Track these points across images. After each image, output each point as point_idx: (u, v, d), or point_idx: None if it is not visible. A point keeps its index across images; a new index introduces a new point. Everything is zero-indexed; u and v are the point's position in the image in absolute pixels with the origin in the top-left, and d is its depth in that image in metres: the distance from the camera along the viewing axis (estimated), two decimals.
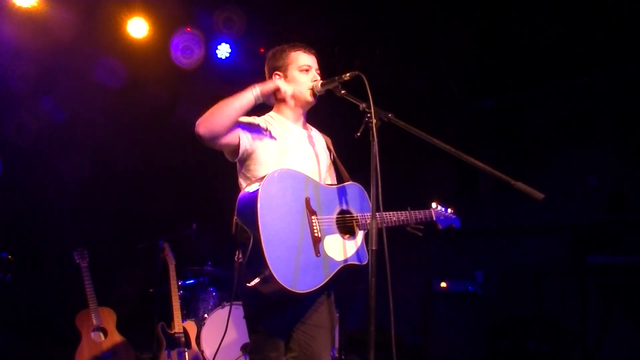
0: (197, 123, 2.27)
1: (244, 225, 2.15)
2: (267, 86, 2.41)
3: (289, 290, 2.08)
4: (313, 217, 2.26)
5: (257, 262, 2.07)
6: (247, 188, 2.26)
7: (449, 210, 2.90)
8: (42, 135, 5.31)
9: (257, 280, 2.08)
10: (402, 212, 2.57)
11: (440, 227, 2.82)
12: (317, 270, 2.20)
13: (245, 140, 2.35)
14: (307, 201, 2.26)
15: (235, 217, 2.23)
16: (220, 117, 2.26)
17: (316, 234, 2.24)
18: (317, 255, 2.21)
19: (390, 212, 2.51)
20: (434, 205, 2.82)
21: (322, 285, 2.21)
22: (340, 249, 2.32)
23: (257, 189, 2.14)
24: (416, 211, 2.65)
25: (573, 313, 4.84)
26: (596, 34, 4.78)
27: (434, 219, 2.77)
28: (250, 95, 2.32)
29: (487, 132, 6.23)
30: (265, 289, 2.10)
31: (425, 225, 2.69)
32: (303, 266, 2.15)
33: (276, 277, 2.04)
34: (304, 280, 2.14)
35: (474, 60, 5.59)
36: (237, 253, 2.34)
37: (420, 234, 2.61)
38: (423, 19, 5.20)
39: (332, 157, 2.66)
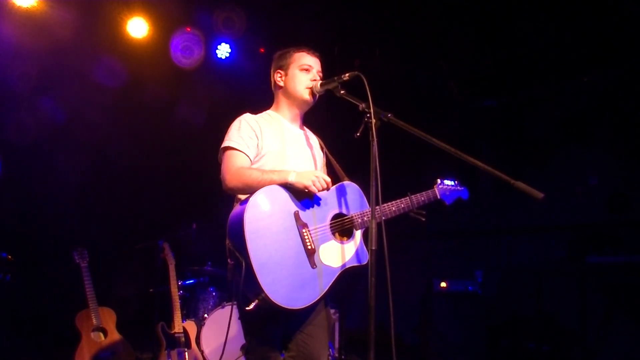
0: (227, 182, 2.29)
1: (235, 251, 2.14)
2: (301, 182, 2.25)
3: (288, 309, 2.08)
4: (304, 230, 2.23)
5: (252, 285, 2.06)
6: (233, 212, 2.24)
7: (455, 182, 2.77)
8: (42, 135, 5.31)
9: (255, 302, 2.07)
10: (402, 199, 2.52)
11: (447, 203, 2.70)
12: (315, 283, 2.18)
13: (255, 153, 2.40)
14: (297, 215, 2.23)
15: (227, 242, 2.22)
16: (252, 188, 2.23)
17: (309, 247, 2.21)
18: (313, 268, 2.19)
19: (390, 203, 2.47)
20: (437, 181, 2.71)
21: (323, 295, 2.20)
22: (338, 254, 2.29)
23: (242, 214, 2.10)
24: (417, 194, 2.58)
25: (573, 313, 4.83)
26: (596, 34, 4.78)
27: (439, 197, 2.67)
28: (286, 179, 2.25)
29: (487, 132, 6.23)
30: (265, 307, 2.10)
31: (432, 208, 2.59)
32: (300, 282, 2.14)
33: (273, 300, 2.04)
34: (302, 297, 2.13)
35: (474, 60, 5.59)
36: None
37: (424, 219, 2.52)
38: (423, 19, 5.20)
39: (325, 157, 2.66)
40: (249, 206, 2.12)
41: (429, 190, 2.66)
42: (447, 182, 2.73)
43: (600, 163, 5.20)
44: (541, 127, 5.75)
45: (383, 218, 2.32)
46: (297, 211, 2.25)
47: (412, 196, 2.55)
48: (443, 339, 4.98)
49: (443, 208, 2.70)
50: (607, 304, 4.83)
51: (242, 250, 2.08)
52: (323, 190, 2.29)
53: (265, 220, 2.15)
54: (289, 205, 2.24)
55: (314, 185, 2.25)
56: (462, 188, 2.80)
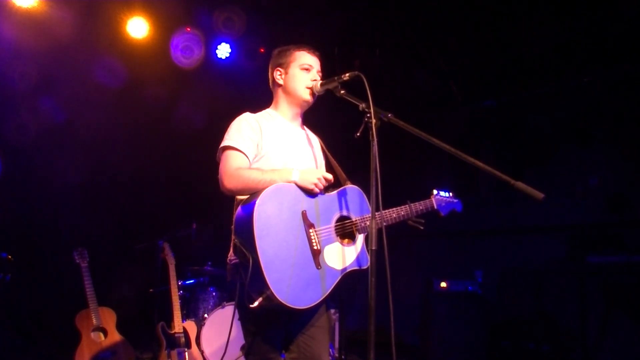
0: (225, 183, 2.27)
1: (242, 247, 2.14)
2: (305, 184, 2.27)
3: (292, 308, 2.08)
4: (311, 230, 2.24)
5: (258, 282, 2.06)
6: (242, 207, 2.22)
7: (450, 193, 2.83)
8: (42, 135, 5.31)
9: (259, 300, 2.08)
10: (402, 207, 2.55)
11: (442, 214, 2.76)
12: (319, 283, 2.19)
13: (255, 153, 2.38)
14: (304, 214, 2.24)
15: (233, 238, 2.22)
16: (251, 189, 2.23)
17: (315, 247, 2.22)
18: (317, 268, 2.20)
19: (390, 210, 2.49)
20: (434, 192, 2.76)
21: (326, 296, 2.21)
22: (341, 257, 2.30)
23: (252, 210, 2.10)
24: (416, 203, 2.62)
25: (573, 313, 4.84)
26: (596, 34, 4.78)
27: (435, 207, 2.72)
28: (288, 179, 2.25)
29: (487, 132, 6.23)
30: (268, 306, 2.10)
31: (428, 215, 2.64)
32: (305, 282, 2.14)
33: (278, 297, 2.04)
34: (306, 296, 2.13)
35: (474, 60, 5.59)
36: (229, 254, 2.35)
37: (422, 227, 2.56)
38: (423, 19, 5.20)
39: (325, 158, 2.66)
40: (259, 203, 2.12)
41: (427, 200, 2.70)
42: (442, 193, 2.79)
43: (600, 163, 5.20)
44: (541, 127, 5.75)
45: (384, 224, 2.34)
46: (305, 211, 2.25)
47: (411, 204, 2.59)
48: (443, 339, 4.98)
49: (438, 217, 2.76)
50: (607, 304, 4.83)
51: (250, 247, 2.08)
52: (326, 185, 2.30)
53: (275, 218, 2.15)
54: (297, 204, 2.25)
55: (317, 187, 2.28)
56: (457, 200, 2.86)
